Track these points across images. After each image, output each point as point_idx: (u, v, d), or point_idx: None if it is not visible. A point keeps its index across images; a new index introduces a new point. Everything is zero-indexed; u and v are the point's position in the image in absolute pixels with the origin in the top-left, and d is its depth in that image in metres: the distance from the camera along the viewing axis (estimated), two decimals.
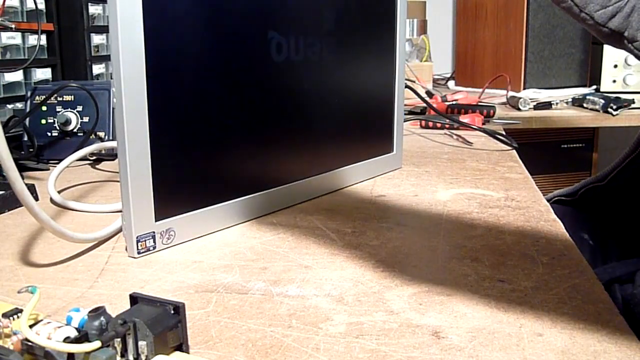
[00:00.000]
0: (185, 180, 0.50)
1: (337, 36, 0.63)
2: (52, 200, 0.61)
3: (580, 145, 1.53)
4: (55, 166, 0.65)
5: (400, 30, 0.72)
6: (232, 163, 0.54)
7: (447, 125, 1.03)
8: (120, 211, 0.51)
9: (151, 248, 0.47)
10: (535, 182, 0.69)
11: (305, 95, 0.60)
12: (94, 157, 0.80)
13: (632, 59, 1.45)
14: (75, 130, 0.81)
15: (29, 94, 0.83)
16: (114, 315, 0.29)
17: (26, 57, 0.87)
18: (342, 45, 0.64)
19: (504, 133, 0.96)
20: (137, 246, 0.46)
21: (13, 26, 0.81)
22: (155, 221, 0.47)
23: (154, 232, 0.47)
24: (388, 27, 0.71)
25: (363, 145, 0.70)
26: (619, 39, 0.50)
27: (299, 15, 0.58)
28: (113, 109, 0.82)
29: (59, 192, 0.63)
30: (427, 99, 1.18)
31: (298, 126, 0.60)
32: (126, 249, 0.48)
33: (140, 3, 0.43)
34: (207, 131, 0.51)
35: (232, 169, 0.54)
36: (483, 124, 1.05)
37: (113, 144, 0.75)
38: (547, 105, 1.33)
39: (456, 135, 0.98)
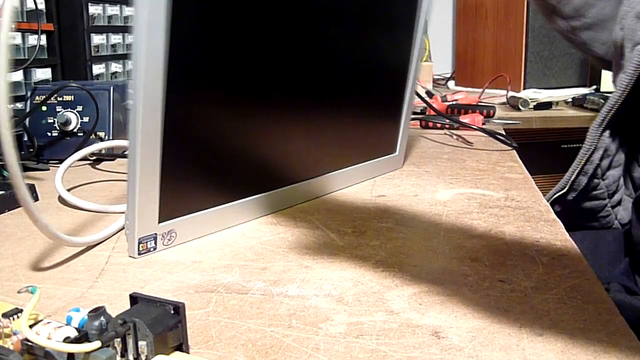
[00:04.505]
0: (189, 182, 0.50)
1: (346, 36, 0.63)
2: (60, 199, 0.61)
3: (580, 145, 1.52)
4: (55, 166, 0.65)
5: (418, 34, 0.70)
6: (234, 164, 0.54)
7: (447, 125, 1.03)
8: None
9: (152, 249, 0.47)
10: (535, 182, 0.69)
11: (310, 96, 0.60)
12: (94, 157, 0.81)
13: None
14: (75, 130, 0.81)
15: (29, 94, 0.83)
16: (114, 315, 0.29)
17: (26, 57, 0.87)
18: (348, 46, 0.63)
19: (504, 133, 0.96)
20: (139, 247, 0.46)
21: (13, 26, 0.81)
22: (158, 223, 0.47)
23: (155, 234, 0.47)
24: (406, 29, 0.69)
25: (366, 146, 0.70)
26: None
27: (307, 18, 0.58)
28: (113, 109, 0.82)
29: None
30: (427, 99, 1.18)
31: (301, 128, 0.60)
32: (127, 249, 0.48)
33: (165, 3, 0.42)
34: (212, 134, 0.51)
35: (234, 170, 0.54)
36: (483, 124, 1.05)
37: (113, 143, 0.75)
38: (547, 105, 1.32)
39: (456, 135, 0.98)
